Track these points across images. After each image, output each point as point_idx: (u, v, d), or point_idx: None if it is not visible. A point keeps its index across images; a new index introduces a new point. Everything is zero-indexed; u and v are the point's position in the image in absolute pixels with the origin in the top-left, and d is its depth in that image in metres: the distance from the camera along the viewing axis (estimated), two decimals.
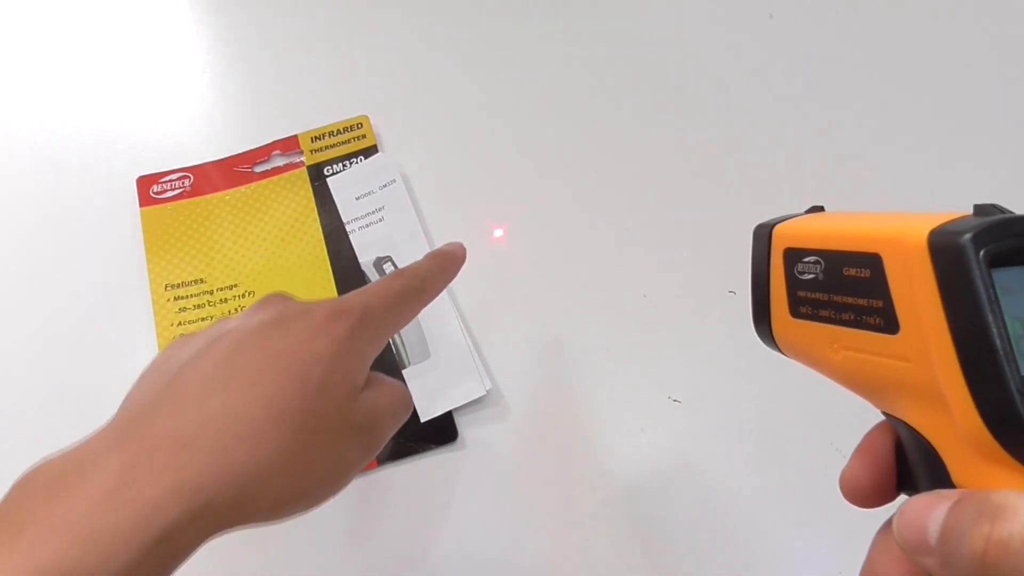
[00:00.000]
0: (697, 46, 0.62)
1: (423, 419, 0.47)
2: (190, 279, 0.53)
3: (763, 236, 0.27)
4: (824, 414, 0.47)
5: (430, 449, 0.47)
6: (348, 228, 0.54)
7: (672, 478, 0.46)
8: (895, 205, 0.54)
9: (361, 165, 0.56)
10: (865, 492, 0.25)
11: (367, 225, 0.54)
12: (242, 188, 0.56)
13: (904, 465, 0.24)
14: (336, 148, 0.57)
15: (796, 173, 0.56)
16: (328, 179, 0.56)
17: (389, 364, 0.49)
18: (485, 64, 0.62)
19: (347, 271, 0.53)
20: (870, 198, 0.54)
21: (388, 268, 0.52)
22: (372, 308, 0.32)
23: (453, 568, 0.45)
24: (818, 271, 0.24)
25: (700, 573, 0.44)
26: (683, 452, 0.47)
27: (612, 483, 0.46)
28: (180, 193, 0.56)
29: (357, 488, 0.47)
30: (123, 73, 0.63)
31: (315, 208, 0.55)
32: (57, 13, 0.66)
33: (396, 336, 0.50)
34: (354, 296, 0.33)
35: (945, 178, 0.55)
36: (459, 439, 0.48)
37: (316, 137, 0.57)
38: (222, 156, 0.57)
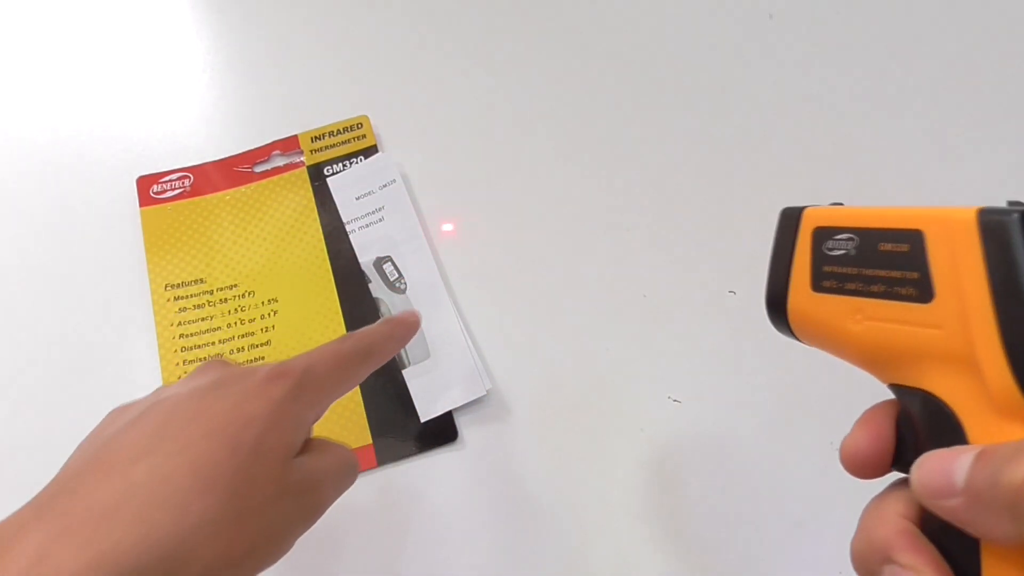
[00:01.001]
0: (697, 46, 0.62)
1: (423, 419, 0.47)
2: (190, 279, 0.53)
3: (792, 216, 0.29)
4: (823, 414, 0.47)
5: (430, 449, 0.47)
6: (348, 228, 0.54)
7: (671, 478, 0.46)
8: (896, 203, 0.54)
9: (361, 165, 0.56)
10: (863, 460, 0.25)
11: (367, 225, 0.54)
12: (242, 188, 0.56)
13: (902, 443, 0.26)
14: (336, 148, 0.57)
15: (796, 173, 0.56)
16: (328, 179, 0.56)
17: (389, 364, 0.49)
18: (485, 64, 0.62)
19: (347, 271, 0.53)
20: (871, 197, 0.54)
21: (388, 268, 0.52)
22: (314, 370, 0.32)
23: (453, 568, 0.45)
24: (850, 247, 0.27)
25: (700, 573, 0.44)
26: (683, 452, 0.47)
27: (612, 483, 0.46)
28: (180, 193, 0.56)
29: (357, 488, 0.47)
30: (123, 73, 0.63)
31: (315, 208, 0.55)
32: (57, 13, 0.66)
33: None
34: (297, 359, 0.33)
35: (947, 176, 0.55)
36: (459, 439, 0.48)
37: (316, 137, 0.57)
38: (222, 156, 0.57)
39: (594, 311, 0.51)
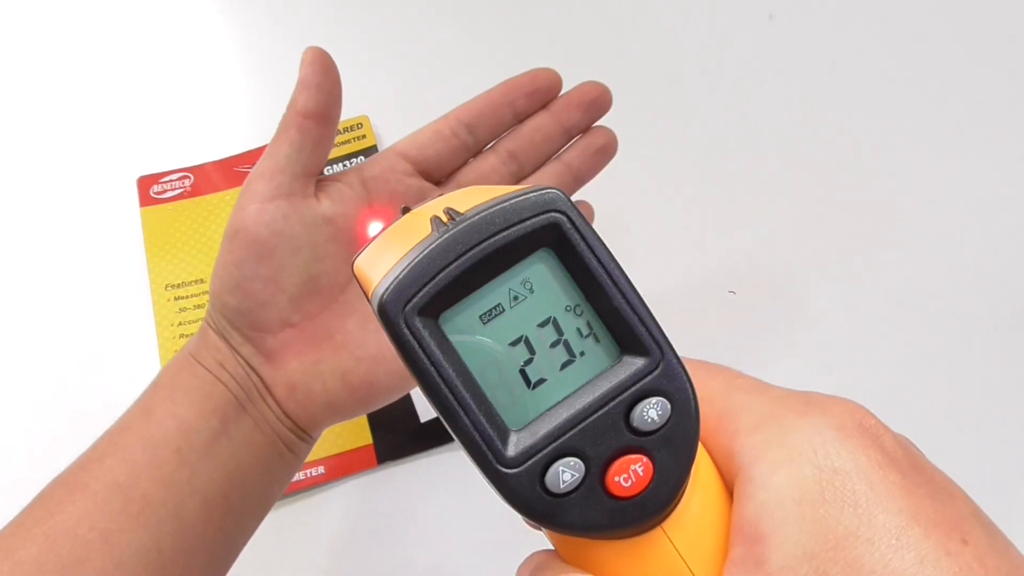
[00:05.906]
0: (697, 47, 0.62)
1: (423, 419, 0.47)
2: (190, 279, 0.53)
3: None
4: None
5: (430, 449, 0.47)
6: None
7: None
8: (896, 205, 0.54)
9: None
10: None
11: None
12: (242, 188, 0.56)
13: None
14: (336, 148, 0.57)
15: (796, 173, 0.56)
16: None
17: None
18: (485, 64, 0.62)
19: None
20: (871, 198, 0.54)
21: None
22: None
23: (453, 568, 0.45)
24: None
25: None
26: None
27: None
28: (180, 193, 0.56)
29: (357, 487, 0.47)
30: (124, 73, 0.63)
31: None
32: (58, 13, 0.66)
33: None
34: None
35: (946, 177, 0.55)
36: None
37: None
38: (222, 156, 0.57)
39: None
